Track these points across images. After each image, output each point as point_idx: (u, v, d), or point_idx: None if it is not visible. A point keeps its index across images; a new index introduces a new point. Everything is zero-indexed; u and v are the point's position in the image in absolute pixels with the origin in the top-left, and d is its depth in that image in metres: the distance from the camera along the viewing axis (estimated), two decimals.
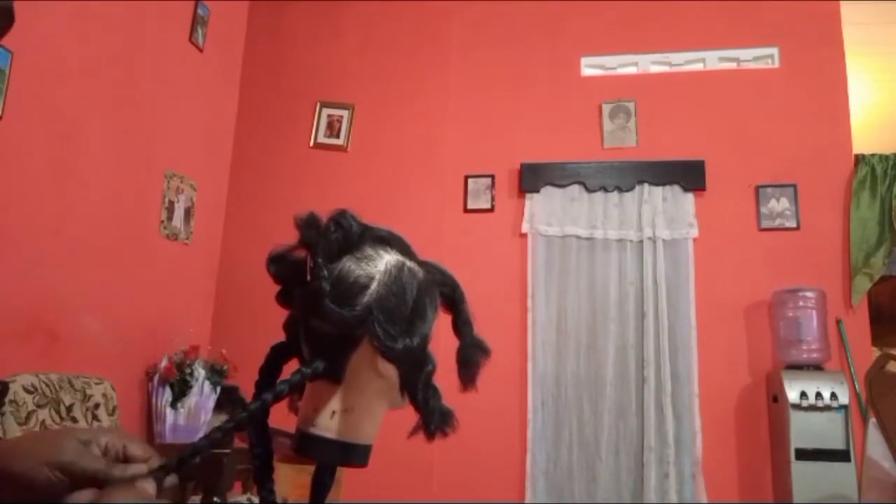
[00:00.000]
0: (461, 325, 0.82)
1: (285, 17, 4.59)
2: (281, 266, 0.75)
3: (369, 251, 0.76)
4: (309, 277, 0.72)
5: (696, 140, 4.00)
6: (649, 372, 3.69)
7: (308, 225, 0.74)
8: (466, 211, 4.12)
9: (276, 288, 0.78)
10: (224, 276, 4.25)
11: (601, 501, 3.61)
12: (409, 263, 0.77)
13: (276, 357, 0.77)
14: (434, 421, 0.73)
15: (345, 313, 0.71)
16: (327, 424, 0.75)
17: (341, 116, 4.36)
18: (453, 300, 0.82)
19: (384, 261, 0.75)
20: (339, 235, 0.74)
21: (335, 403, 0.75)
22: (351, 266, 0.74)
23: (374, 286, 0.73)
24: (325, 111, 4.38)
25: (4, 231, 2.71)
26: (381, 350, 0.72)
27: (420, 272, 0.78)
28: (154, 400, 3.42)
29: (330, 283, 0.72)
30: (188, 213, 3.93)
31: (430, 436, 0.74)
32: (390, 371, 0.74)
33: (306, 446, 0.75)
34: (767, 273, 3.76)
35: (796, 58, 4.04)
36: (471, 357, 0.81)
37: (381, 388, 0.74)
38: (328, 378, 0.75)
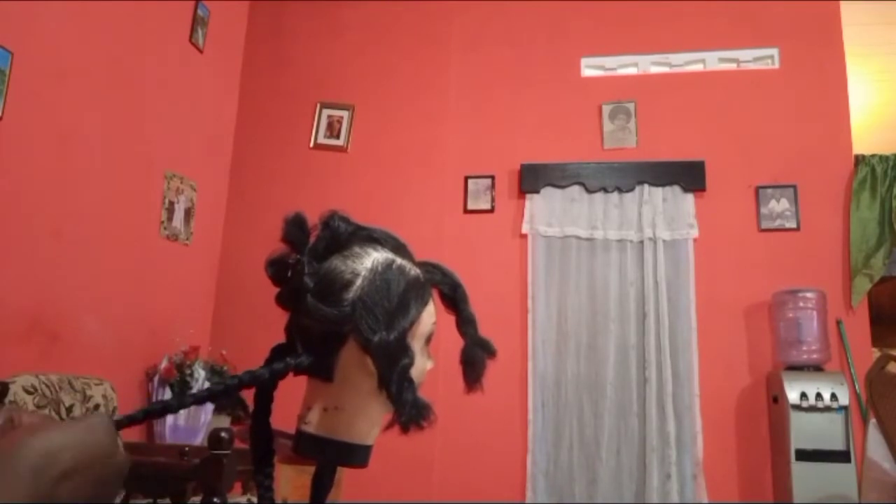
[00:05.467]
0: (463, 324, 0.82)
1: (285, 18, 4.59)
2: (277, 268, 0.76)
3: (357, 249, 0.76)
4: (290, 274, 0.73)
5: (696, 141, 4.00)
6: (650, 372, 3.69)
7: (292, 224, 0.75)
8: (466, 212, 4.12)
9: (277, 289, 0.78)
10: (224, 277, 4.25)
11: (602, 502, 3.61)
12: (399, 261, 0.77)
13: (277, 358, 0.78)
14: (406, 413, 0.73)
15: (326, 309, 0.71)
16: (317, 422, 0.75)
17: (341, 117, 4.36)
18: (454, 299, 0.83)
19: (371, 258, 0.76)
20: (326, 235, 0.75)
21: (325, 401, 0.75)
22: (337, 264, 0.74)
23: (358, 282, 0.73)
24: (325, 112, 4.38)
25: (4, 231, 2.70)
26: (359, 343, 0.72)
27: (411, 270, 0.78)
28: (154, 400, 3.42)
29: (314, 280, 0.72)
30: (188, 213, 3.93)
31: (404, 428, 0.74)
32: None
33: (298, 443, 0.76)
34: (767, 274, 3.76)
35: (796, 58, 4.04)
36: (475, 357, 0.81)
37: (373, 388, 0.74)
38: (320, 376, 0.75)
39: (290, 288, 0.74)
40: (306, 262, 0.73)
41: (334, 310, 0.72)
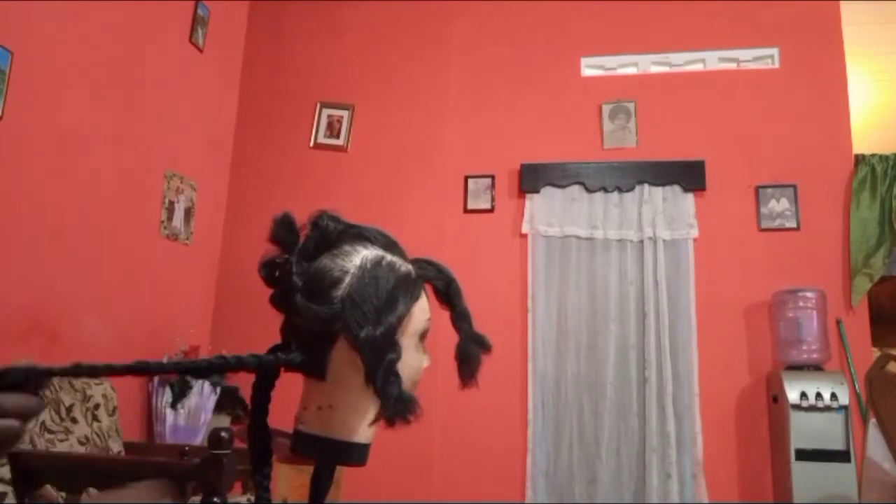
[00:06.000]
0: (457, 319, 0.82)
1: (285, 18, 4.59)
2: (269, 269, 0.76)
3: (347, 248, 0.76)
4: (277, 273, 0.73)
5: (696, 140, 4.00)
6: (650, 372, 3.69)
7: (280, 224, 0.75)
8: (466, 211, 4.12)
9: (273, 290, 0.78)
10: (224, 277, 4.25)
11: (602, 502, 3.61)
12: (388, 258, 0.77)
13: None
14: (390, 406, 0.73)
15: (316, 307, 0.72)
16: (312, 421, 0.75)
17: (341, 117, 4.36)
18: (448, 294, 0.83)
19: (361, 256, 0.76)
20: (315, 234, 0.75)
21: (319, 400, 0.75)
22: (326, 262, 0.75)
23: (347, 279, 0.74)
24: (326, 111, 4.39)
25: (4, 231, 2.71)
26: (349, 340, 0.72)
27: (401, 266, 0.78)
28: (154, 400, 3.42)
29: (304, 279, 0.73)
30: (188, 213, 3.93)
31: (389, 422, 0.74)
32: None
33: (295, 443, 0.76)
34: (767, 273, 3.76)
35: (796, 58, 4.04)
36: (469, 353, 0.81)
37: (365, 385, 0.74)
38: (313, 375, 0.75)
39: (280, 288, 0.74)
40: (295, 261, 0.73)
41: (324, 308, 0.72)
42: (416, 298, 0.78)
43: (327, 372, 0.75)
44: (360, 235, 0.78)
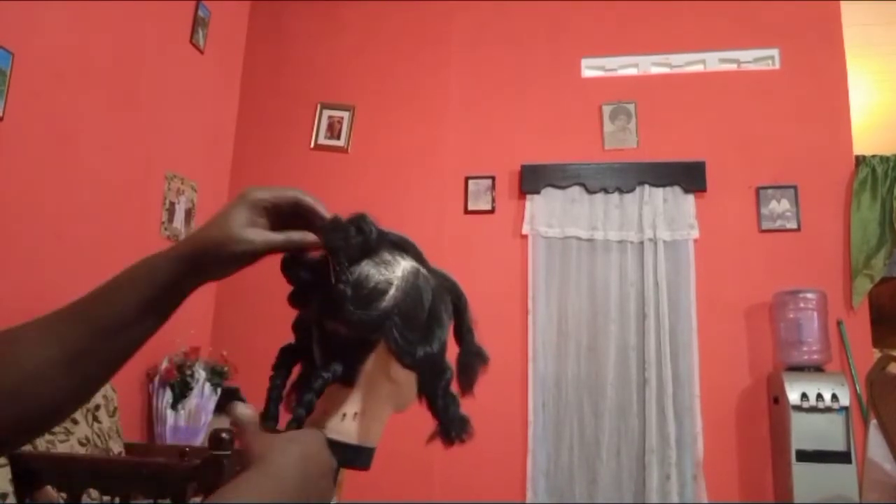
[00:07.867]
0: (464, 332, 0.82)
1: (286, 19, 4.60)
2: (298, 269, 0.75)
3: (387, 256, 0.76)
4: (334, 280, 0.72)
5: (697, 141, 4.00)
6: (650, 373, 3.69)
7: (333, 229, 0.74)
8: (467, 212, 4.12)
9: (278, 289, 0.78)
10: (225, 278, 4.24)
11: (602, 502, 3.61)
12: (422, 270, 0.78)
13: (287, 359, 0.77)
14: (455, 428, 0.75)
15: (364, 317, 0.71)
16: (338, 427, 0.74)
17: (342, 118, 4.36)
18: (458, 308, 0.83)
19: (401, 266, 0.76)
20: (359, 240, 0.74)
21: (347, 407, 0.75)
22: (370, 271, 0.74)
23: (392, 291, 0.73)
24: (326, 112, 4.39)
25: (5, 232, 2.70)
26: (401, 356, 0.72)
27: (431, 279, 0.78)
28: (155, 401, 3.42)
29: (350, 286, 0.72)
30: (189, 214, 3.93)
31: (450, 442, 0.76)
32: (402, 376, 0.74)
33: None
34: (768, 274, 3.76)
35: (797, 59, 4.04)
36: (470, 364, 0.81)
37: (390, 392, 0.75)
38: (341, 381, 0.75)
39: (328, 293, 0.72)
40: (345, 267, 0.72)
41: (369, 317, 0.71)
42: (451, 312, 0.78)
43: (358, 379, 0.74)
44: (396, 244, 0.78)
